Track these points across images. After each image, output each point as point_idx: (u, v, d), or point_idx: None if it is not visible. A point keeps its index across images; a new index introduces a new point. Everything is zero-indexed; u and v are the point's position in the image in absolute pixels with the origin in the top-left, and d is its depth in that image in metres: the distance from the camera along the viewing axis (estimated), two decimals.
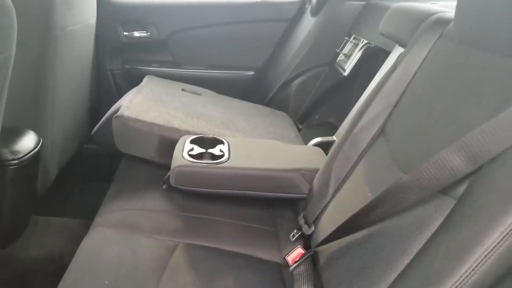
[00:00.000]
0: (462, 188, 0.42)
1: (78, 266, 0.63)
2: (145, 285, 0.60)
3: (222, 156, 0.83)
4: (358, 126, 0.67)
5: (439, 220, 0.42)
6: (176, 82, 1.33)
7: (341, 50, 1.29)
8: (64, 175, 1.08)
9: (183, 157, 0.81)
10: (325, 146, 0.95)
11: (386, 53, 1.02)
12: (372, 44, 1.15)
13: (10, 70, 0.58)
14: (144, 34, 1.40)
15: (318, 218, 0.66)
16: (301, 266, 0.62)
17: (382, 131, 0.63)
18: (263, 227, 0.78)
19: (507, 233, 0.36)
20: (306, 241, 0.69)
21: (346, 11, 1.27)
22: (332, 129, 1.20)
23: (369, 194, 0.54)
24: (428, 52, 0.61)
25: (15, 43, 0.56)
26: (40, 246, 1.02)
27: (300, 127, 1.36)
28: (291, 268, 0.63)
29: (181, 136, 0.92)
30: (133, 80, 1.30)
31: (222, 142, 0.89)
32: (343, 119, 1.05)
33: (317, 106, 1.37)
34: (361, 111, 0.69)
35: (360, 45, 1.19)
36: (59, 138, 1.01)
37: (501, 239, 0.35)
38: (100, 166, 1.27)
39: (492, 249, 0.36)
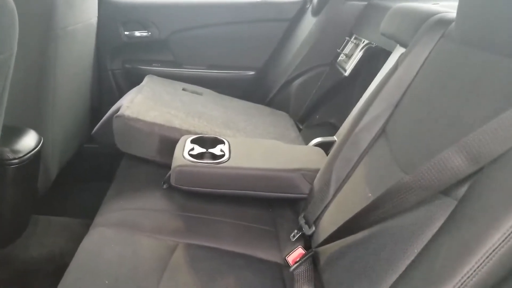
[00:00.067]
0: (463, 189, 0.42)
1: (79, 266, 0.63)
2: (146, 285, 0.60)
3: (223, 156, 0.82)
4: (359, 126, 0.67)
5: (440, 220, 0.42)
6: (176, 82, 1.33)
7: (342, 50, 1.29)
8: (65, 174, 1.08)
9: (183, 156, 0.81)
10: (325, 146, 0.95)
11: (387, 54, 1.02)
12: (373, 44, 1.15)
13: (12, 69, 0.58)
14: (145, 34, 1.40)
15: (318, 218, 0.66)
16: (302, 266, 0.62)
17: (383, 131, 0.63)
18: (264, 227, 0.78)
19: (509, 234, 0.35)
20: (306, 241, 0.68)
21: (347, 11, 1.27)
22: (332, 129, 1.20)
23: (370, 195, 0.54)
24: (430, 52, 0.61)
25: (17, 43, 0.56)
26: (41, 246, 1.02)
27: (301, 127, 1.36)
28: (292, 268, 0.63)
29: (181, 135, 0.92)
30: (134, 80, 1.30)
31: (222, 142, 0.89)
32: (344, 119, 1.05)
33: (317, 106, 1.37)
34: (362, 111, 0.69)
35: (361, 45, 1.19)
36: (60, 138, 1.02)
37: (503, 240, 0.35)
38: (100, 166, 1.27)
39: (494, 250, 0.36)
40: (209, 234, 0.73)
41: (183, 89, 1.27)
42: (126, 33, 1.39)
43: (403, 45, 0.85)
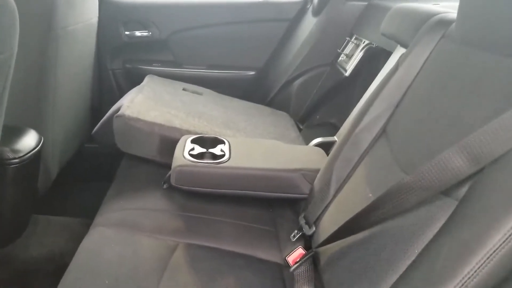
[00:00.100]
0: (464, 189, 0.42)
1: (79, 266, 0.63)
2: (146, 285, 0.60)
3: (223, 156, 0.82)
4: (359, 127, 0.67)
5: (441, 221, 0.42)
6: (177, 82, 1.33)
7: (343, 50, 1.29)
8: (65, 174, 1.08)
9: (184, 156, 0.81)
10: (326, 147, 0.95)
11: (387, 54, 1.02)
12: (373, 44, 1.15)
13: (12, 69, 0.58)
14: (145, 34, 1.40)
15: (319, 218, 0.66)
16: (302, 266, 0.62)
17: (383, 131, 0.63)
18: (264, 227, 0.77)
19: (510, 235, 0.35)
20: (306, 241, 0.68)
21: (348, 11, 1.27)
22: (333, 129, 1.20)
23: (370, 195, 0.54)
24: (430, 52, 0.61)
25: (17, 42, 0.56)
26: (41, 246, 1.02)
27: (301, 127, 1.36)
28: (292, 268, 0.62)
29: (182, 135, 0.92)
30: (134, 80, 1.30)
31: (223, 142, 0.89)
32: (344, 120, 1.05)
33: (318, 106, 1.37)
34: (363, 111, 0.69)
35: (362, 45, 1.19)
36: (60, 137, 1.02)
37: (504, 241, 0.35)
38: (100, 166, 1.27)
39: (494, 251, 0.35)
40: (209, 234, 0.73)
41: (184, 89, 1.27)
42: (127, 33, 1.39)
43: (404, 45, 0.85)
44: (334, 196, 0.65)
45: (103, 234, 0.70)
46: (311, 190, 0.75)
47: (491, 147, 0.40)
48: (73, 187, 1.27)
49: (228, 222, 0.77)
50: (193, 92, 1.27)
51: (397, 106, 0.62)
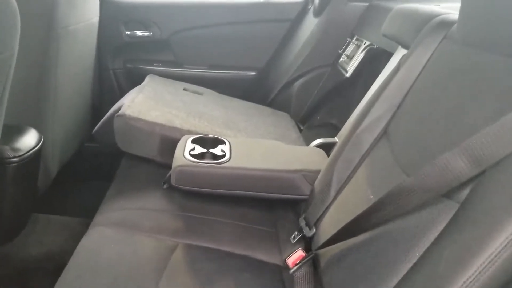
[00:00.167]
0: (465, 192, 0.41)
1: (77, 265, 0.63)
2: (145, 285, 0.59)
3: (224, 156, 0.82)
4: (360, 128, 0.66)
5: (442, 224, 0.42)
6: (178, 82, 1.33)
7: (344, 51, 1.28)
8: (65, 173, 1.08)
9: (184, 156, 0.80)
10: (326, 148, 0.95)
11: (388, 55, 1.02)
12: (374, 45, 1.15)
13: (13, 68, 0.58)
14: (146, 34, 1.40)
15: (319, 220, 0.66)
16: (302, 268, 0.61)
17: (384, 132, 0.62)
18: (264, 228, 0.77)
19: None
20: (307, 243, 0.68)
21: (349, 12, 1.27)
22: (333, 130, 1.20)
23: (371, 196, 0.54)
24: (432, 53, 0.61)
25: (18, 42, 0.56)
26: (40, 244, 1.02)
27: (302, 128, 1.36)
28: (291, 270, 0.62)
29: (182, 135, 0.91)
30: (135, 79, 1.30)
31: (223, 142, 0.89)
32: (345, 121, 1.05)
33: (319, 107, 1.37)
34: (364, 112, 0.69)
35: (363, 46, 1.19)
36: (60, 137, 1.01)
37: (506, 244, 0.35)
38: (101, 165, 1.27)
39: (496, 255, 0.35)
40: (209, 234, 0.73)
41: (184, 89, 1.27)
42: (128, 32, 1.39)
43: (405, 46, 0.85)
44: (335, 197, 0.64)
45: (103, 233, 0.70)
46: (312, 191, 0.75)
47: (493, 149, 0.40)
48: (73, 186, 1.27)
49: (228, 223, 0.77)
50: (194, 92, 1.27)
51: (398, 107, 0.62)
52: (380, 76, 1.01)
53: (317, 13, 1.35)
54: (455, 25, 0.59)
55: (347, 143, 0.68)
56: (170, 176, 0.81)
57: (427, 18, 0.68)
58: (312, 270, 0.62)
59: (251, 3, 1.44)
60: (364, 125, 0.66)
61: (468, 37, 0.54)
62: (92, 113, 1.28)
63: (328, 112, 1.35)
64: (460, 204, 0.42)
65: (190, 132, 0.95)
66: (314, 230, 0.66)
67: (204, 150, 0.86)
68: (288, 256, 0.65)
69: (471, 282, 0.36)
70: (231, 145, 0.87)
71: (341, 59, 1.29)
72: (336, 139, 1.01)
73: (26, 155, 0.74)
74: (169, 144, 0.91)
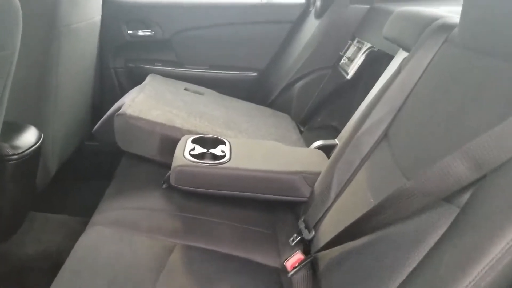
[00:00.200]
0: (466, 196, 0.41)
1: (75, 264, 0.62)
2: (142, 286, 0.59)
3: (224, 156, 0.82)
4: (361, 130, 0.66)
5: (442, 228, 0.42)
6: (179, 82, 1.33)
7: (345, 53, 1.28)
8: (64, 171, 1.07)
9: (184, 156, 0.80)
10: (327, 149, 0.95)
11: (389, 57, 1.02)
12: (375, 48, 1.15)
13: (14, 65, 0.58)
14: (148, 33, 1.40)
15: (319, 222, 0.65)
16: (300, 272, 0.61)
17: (385, 135, 0.62)
18: (263, 230, 0.77)
19: None
20: (306, 246, 0.68)
21: (350, 14, 1.27)
22: (334, 132, 1.20)
23: (372, 200, 0.54)
24: (433, 57, 0.60)
25: (20, 40, 0.56)
26: (37, 243, 1.02)
27: (302, 129, 1.36)
28: (290, 273, 0.62)
29: (182, 135, 0.91)
30: (136, 79, 1.30)
31: (223, 143, 0.89)
32: (345, 123, 1.05)
33: (319, 108, 1.37)
34: (364, 115, 0.68)
35: (364, 48, 1.19)
36: (60, 135, 1.01)
37: (507, 250, 0.35)
38: (100, 164, 1.27)
39: (497, 260, 0.35)
40: (208, 236, 0.72)
41: (185, 89, 1.27)
42: (129, 32, 1.39)
43: (406, 49, 0.85)
44: (335, 200, 0.64)
45: (101, 233, 0.70)
46: (312, 193, 0.75)
47: (494, 153, 0.39)
48: (72, 184, 1.26)
49: (227, 224, 0.77)
50: (195, 92, 1.27)
51: (399, 110, 0.62)
52: (380, 78, 1.00)
53: (318, 15, 1.35)
54: (456, 29, 0.59)
55: (347, 145, 0.68)
56: (169, 176, 0.80)
57: (428, 21, 0.68)
58: (311, 273, 0.61)
59: (253, 4, 1.44)
60: (364, 128, 0.66)
61: (469, 40, 0.54)
62: (93, 111, 1.28)
63: (328, 114, 1.35)
64: (461, 209, 0.41)
65: (190, 132, 0.94)
66: (313, 232, 0.66)
67: (204, 150, 0.85)
68: (287, 258, 0.65)
69: (471, 287, 0.35)
70: (231, 146, 0.87)
71: (342, 61, 1.29)
72: (336, 141, 1.01)
73: (26, 152, 0.73)
74: (169, 143, 0.90)
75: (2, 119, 0.61)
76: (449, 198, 0.43)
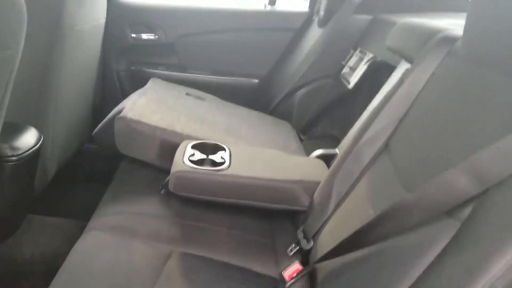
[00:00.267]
0: (467, 211, 0.41)
1: (70, 269, 0.62)
2: None
3: (223, 163, 0.82)
4: (361, 140, 0.66)
5: (443, 242, 0.41)
6: (180, 86, 1.33)
7: (347, 62, 1.29)
8: (63, 174, 1.07)
9: (183, 162, 0.80)
10: (327, 159, 0.94)
11: (391, 68, 1.02)
12: (377, 58, 1.15)
13: (17, 65, 0.58)
14: (151, 37, 1.41)
15: (317, 233, 0.65)
16: (298, 282, 0.60)
17: (386, 147, 0.62)
18: (261, 239, 0.76)
19: None
20: (304, 256, 0.67)
21: (353, 24, 1.28)
22: (334, 141, 1.20)
23: (371, 211, 0.53)
24: (435, 69, 0.61)
25: (24, 39, 0.56)
26: (33, 246, 1.01)
27: (302, 137, 1.35)
28: (288, 284, 0.61)
29: (182, 140, 0.91)
30: (138, 82, 1.31)
31: (223, 149, 0.88)
32: (346, 132, 1.04)
33: (320, 117, 1.37)
34: (365, 125, 0.68)
35: (366, 58, 1.19)
36: (60, 137, 1.01)
37: (508, 268, 0.34)
38: (99, 167, 1.26)
39: (498, 278, 0.34)
40: (205, 243, 0.72)
41: (187, 94, 1.27)
42: (133, 35, 1.40)
43: (409, 60, 0.85)
44: (334, 210, 0.63)
45: (97, 238, 0.69)
46: (311, 203, 0.74)
47: (497, 168, 0.39)
48: (70, 187, 1.26)
49: (225, 232, 0.76)
50: (196, 97, 1.27)
51: (400, 121, 0.62)
52: (382, 89, 1.01)
53: (321, 24, 1.36)
54: (459, 42, 0.60)
55: (348, 155, 0.67)
56: (168, 181, 0.80)
57: (432, 33, 0.68)
58: (309, 284, 0.60)
59: (257, 11, 1.45)
60: (365, 138, 0.65)
61: (472, 54, 0.54)
62: (93, 114, 1.28)
63: (329, 123, 1.35)
64: (462, 223, 0.41)
65: (190, 137, 0.94)
66: (312, 243, 0.65)
67: (204, 156, 0.85)
68: (285, 269, 0.64)
69: None
70: (231, 153, 0.87)
71: (344, 71, 1.29)
72: (336, 150, 1.01)
73: (25, 154, 0.73)
74: (169, 148, 0.90)
75: (2, 119, 0.60)
76: (450, 212, 0.42)
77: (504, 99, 0.45)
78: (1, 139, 0.70)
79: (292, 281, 0.61)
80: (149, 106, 1.02)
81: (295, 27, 1.46)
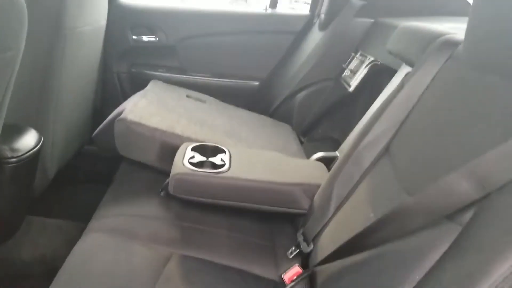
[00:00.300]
0: (468, 215, 0.40)
1: (69, 271, 0.61)
2: None
3: (223, 165, 0.82)
4: (362, 144, 0.66)
5: (443, 246, 0.41)
6: (181, 88, 1.33)
7: (348, 65, 1.29)
8: (63, 175, 1.07)
9: (183, 164, 0.80)
10: (327, 161, 0.94)
11: (392, 72, 1.02)
12: (378, 61, 1.16)
13: (17, 67, 0.58)
14: (152, 39, 1.41)
15: (317, 236, 0.65)
16: (298, 285, 0.60)
17: (386, 150, 0.62)
18: (261, 241, 0.76)
19: None
20: (304, 259, 0.67)
21: (354, 27, 1.28)
22: (334, 144, 1.19)
23: (372, 215, 0.53)
24: (436, 73, 0.61)
25: (24, 40, 0.56)
26: (33, 248, 1.00)
27: (303, 140, 1.35)
28: (287, 287, 0.61)
29: (182, 142, 0.91)
30: (139, 84, 1.31)
31: (223, 151, 0.88)
32: (346, 135, 1.04)
33: (320, 120, 1.37)
34: (366, 128, 0.68)
35: (367, 62, 1.20)
36: (61, 138, 1.01)
37: (510, 273, 0.34)
38: (99, 169, 1.26)
39: (499, 284, 0.34)
40: (205, 246, 0.71)
41: (187, 96, 1.27)
42: (134, 37, 1.40)
43: (410, 64, 0.85)
44: (334, 213, 0.63)
45: (97, 240, 0.69)
46: (311, 205, 0.74)
47: (498, 173, 0.39)
48: (70, 189, 1.25)
49: (225, 235, 0.76)
50: (197, 99, 1.27)
51: (401, 125, 0.61)
52: (383, 92, 1.01)
53: (322, 27, 1.36)
54: (461, 46, 0.60)
55: (348, 158, 0.67)
56: (167, 183, 0.80)
57: (433, 37, 0.68)
58: (309, 287, 0.60)
59: (258, 14, 1.45)
60: (366, 141, 0.65)
61: (474, 58, 0.54)
62: (94, 116, 1.28)
63: (329, 125, 1.35)
64: (463, 227, 0.41)
65: (190, 139, 0.94)
66: (312, 246, 0.65)
67: (204, 158, 0.85)
68: (285, 271, 0.64)
69: None
70: (231, 155, 0.87)
71: (344, 74, 1.30)
72: (337, 153, 1.01)
73: (25, 155, 0.73)
74: (169, 150, 0.90)
75: (2, 121, 0.60)
76: (451, 216, 0.42)
77: (505, 103, 0.45)
78: (1, 141, 0.70)
79: (292, 284, 0.60)
80: (149, 108, 1.02)
81: (296, 30, 1.46)
